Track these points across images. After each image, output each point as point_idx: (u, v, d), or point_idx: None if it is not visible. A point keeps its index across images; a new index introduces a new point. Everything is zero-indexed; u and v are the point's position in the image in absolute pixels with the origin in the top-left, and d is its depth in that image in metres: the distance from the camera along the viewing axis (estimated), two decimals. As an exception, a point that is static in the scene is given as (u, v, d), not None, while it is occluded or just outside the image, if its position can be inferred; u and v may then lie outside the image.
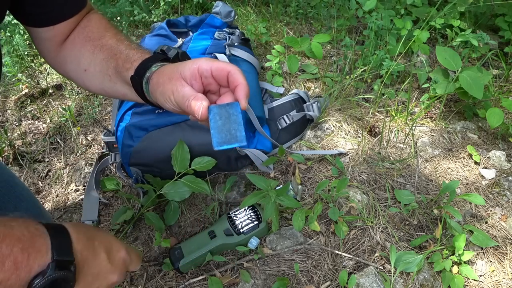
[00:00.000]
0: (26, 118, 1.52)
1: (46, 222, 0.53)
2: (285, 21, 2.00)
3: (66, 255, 0.51)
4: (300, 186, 1.22)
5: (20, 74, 1.60)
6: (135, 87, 0.68)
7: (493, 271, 1.07)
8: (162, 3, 1.90)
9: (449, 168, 1.33)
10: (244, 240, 1.04)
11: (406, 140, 1.40)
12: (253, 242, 1.05)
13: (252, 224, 1.05)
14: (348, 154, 1.33)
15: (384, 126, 1.43)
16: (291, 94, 1.45)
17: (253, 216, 1.07)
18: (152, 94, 0.64)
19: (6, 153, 1.37)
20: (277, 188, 1.05)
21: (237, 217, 1.07)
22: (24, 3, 0.71)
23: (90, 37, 0.78)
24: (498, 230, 1.16)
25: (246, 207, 1.07)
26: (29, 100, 1.58)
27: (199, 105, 0.56)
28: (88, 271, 0.55)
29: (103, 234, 0.61)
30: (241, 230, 1.04)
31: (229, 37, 1.39)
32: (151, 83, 0.63)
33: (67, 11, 0.77)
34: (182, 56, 0.70)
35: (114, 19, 1.92)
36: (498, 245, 1.12)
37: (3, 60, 0.84)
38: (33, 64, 1.72)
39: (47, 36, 0.78)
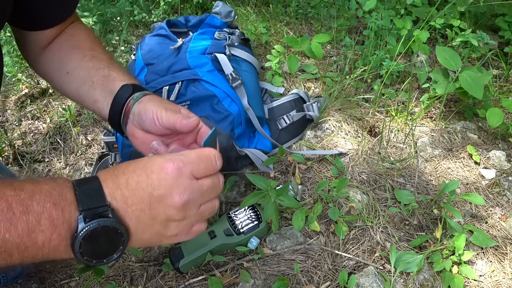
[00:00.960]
0: (26, 118, 1.52)
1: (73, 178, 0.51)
2: (285, 21, 2.00)
3: (96, 202, 0.46)
4: (300, 186, 1.22)
5: (20, 74, 1.60)
6: (119, 94, 0.73)
7: (493, 271, 1.07)
8: (162, 3, 1.90)
9: (449, 168, 1.33)
10: (244, 240, 1.04)
11: (406, 140, 1.41)
12: (253, 242, 1.05)
13: (252, 224, 1.05)
14: (348, 154, 1.33)
15: (384, 126, 1.43)
16: (291, 94, 1.45)
17: (253, 216, 1.06)
18: (140, 103, 0.70)
19: (6, 153, 1.37)
20: (277, 188, 1.05)
21: (237, 217, 1.06)
22: (20, 7, 0.72)
23: (79, 46, 0.83)
24: (498, 230, 1.16)
25: (246, 207, 1.07)
26: (29, 100, 1.58)
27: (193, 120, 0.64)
28: (136, 213, 0.49)
29: (134, 162, 0.52)
30: (241, 230, 1.04)
31: (229, 37, 1.39)
32: (147, 97, 0.71)
33: (58, 17, 0.81)
34: None
35: (114, 19, 1.92)
36: (498, 245, 1.12)
37: (3, 60, 0.86)
38: (33, 64, 1.72)
39: (33, 39, 0.82)
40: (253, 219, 1.06)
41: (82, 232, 0.45)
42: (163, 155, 0.53)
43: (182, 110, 0.69)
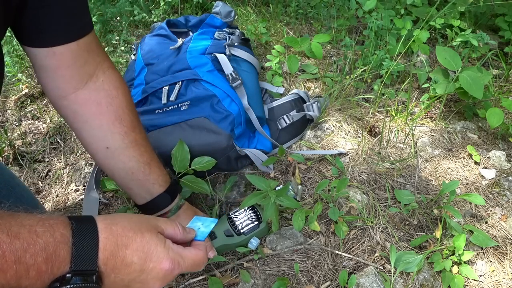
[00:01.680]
0: (26, 118, 1.52)
1: (77, 218, 0.51)
2: (285, 21, 2.00)
3: (87, 266, 0.49)
4: (300, 186, 1.22)
5: (20, 74, 1.60)
6: (158, 202, 0.84)
7: (493, 271, 1.07)
8: (162, 3, 1.90)
9: (449, 168, 1.33)
10: (245, 241, 1.04)
11: (406, 140, 1.41)
12: (254, 243, 1.04)
13: (252, 225, 1.04)
14: (348, 154, 1.33)
15: (384, 126, 1.43)
16: (291, 94, 1.45)
17: (253, 217, 1.06)
18: (178, 218, 0.86)
19: (6, 153, 1.37)
20: (277, 188, 1.05)
21: (237, 217, 1.06)
22: (20, 17, 0.66)
23: (122, 119, 0.78)
24: (498, 230, 1.16)
25: (246, 208, 1.07)
26: (29, 100, 1.58)
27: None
28: (116, 278, 0.52)
29: (143, 239, 0.54)
30: (242, 231, 1.03)
31: (229, 37, 1.39)
32: (183, 212, 0.88)
33: (67, 34, 0.71)
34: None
35: (114, 19, 1.92)
36: (498, 245, 1.12)
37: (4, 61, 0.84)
38: (33, 64, 1.72)
39: (49, 64, 0.71)
40: (253, 219, 1.05)
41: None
42: (167, 246, 0.57)
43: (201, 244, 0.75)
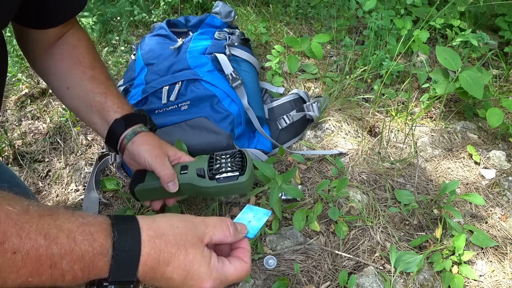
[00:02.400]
0: (26, 118, 1.52)
1: (119, 224, 0.49)
2: (285, 21, 2.00)
3: (126, 277, 0.48)
4: (300, 186, 1.22)
5: (20, 74, 1.60)
6: (113, 128, 0.82)
7: (493, 271, 1.07)
8: (162, 3, 1.90)
9: (449, 168, 1.33)
10: (214, 189, 0.83)
11: (406, 140, 1.41)
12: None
13: (231, 174, 0.83)
14: (348, 154, 1.33)
15: (384, 126, 1.43)
16: (291, 94, 1.45)
17: (236, 165, 0.84)
18: (133, 144, 0.81)
19: (6, 153, 1.37)
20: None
21: (219, 159, 0.86)
22: (28, 4, 0.72)
23: (80, 61, 0.86)
24: (498, 230, 1.16)
25: (237, 152, 0.87)
26: (29, 100, 1.58)
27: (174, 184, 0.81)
28: (155, 283, 0.52)
29: (187, 256, 0.51)
30: (216, 176, 0.83)
31: (229, 37, 1.39)
32: (139, 137, 0.82)
33: (63, 16, 0.82)
34: (154, 132, 0.92)
35: (114, 19, 1.92)
36: (498, 245, 1.12)
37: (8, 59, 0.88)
38: (33, 64, 1.72)
39: (36, 38, 0.82)
40: (235, 168, 0.83)
41: None
42: (211, 266, 0.53)
43: (169, 152, 0.83)
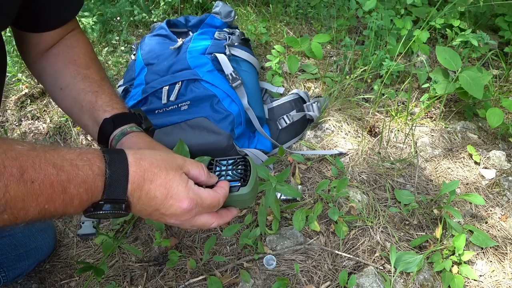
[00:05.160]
0: (26, 118, 1.52)
1: (109, 151, 0.56)
2: (285, 21, 2.00)
3: (118, 195, 0.55)
4: (300, 186, 1.22)
5: (20, 74, 1.60)
6: (103, 128, 0.78)
7: (493, 271, 1.07)
8: (162, 3, 1.90)
9: (449, 168, 1.33)
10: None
11: (406, 140, 1.41)
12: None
13: (231, 184, 0.71)
14: (348, 154, 1.33)
15: (384, 126, 1.43)
16: (291, 94, 1.45)
17: (239, 173, 0.72)
18: (121, 146, 0.76)
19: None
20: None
21: (220, 165, 0.75)
22: (25, 8, 0.72)
23: (75, 61, 0.83)
24: (498, 230, 1.16)
25: (240, 159, 0.76)
26: (29, 100, 1.58)
27: None
28: (141, 208, 0.58)
29: (167, 176, 0.58)
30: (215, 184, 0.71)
31: (229, 37, 1.39)
32: (128, 139, 0.77)
33: (60, 19, 0.81)
34: (151, 132, 0.87)
35: (114, 19, 1.92)
36: (498, 245, 1.12)
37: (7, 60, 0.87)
38: (33, 64, 1.72)
39: (33, 42, 0.82)
40: (236, 178, 0.72)
41: (97, 212, 0.55)
42: (188, 187, 0.60)
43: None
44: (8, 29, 1.66)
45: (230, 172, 0.73)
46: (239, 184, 0.71)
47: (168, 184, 0.58)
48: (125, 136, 0.77)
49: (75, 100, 0.81)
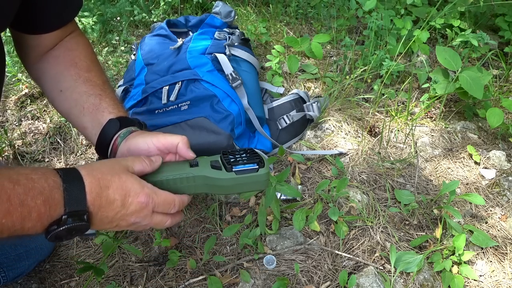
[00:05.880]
0: (26, 118, 1.52)
1: (62, 169, 0.58)
2: (285, 21, 2.00)
3: (79, 206, 0.56)
4: (300, 186, 1.22)
5: (20, 74, 1.60)
6: (106, 128, 0.78)
7: (493, 271, 1.07)
8: (162, 3, 1.90)
9: (449, 168, 1.33)
10: (232, 182, 0.74)
11: (406, 140, 1.41)
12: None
13: (250, 166, 0.74)
14: (348, 154, 1.33)
15: (384, 126, 1.43)
16: (291, 94, 1.45)
17: (254, 158, 0.76)
18: (127, 141, 0.76)
19: (6, 153, 1.37)
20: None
21: (234, 154, 0.78)
22: (24, 10, 0.72)
23: (76, 64, 0.83)
24: (498, 230, 1.16)
25: (248, 150, 0.80)
26: (29, 100, 1.58)
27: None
28: (102, 215, 0.60)
29: (121, 179, 0.62)
30: (234, 168, 0.74)
31: (229, 37, 1.39)
32: (134, 133, 0.77)
33: (59, 21, 0.81)
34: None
35: (114, 19, 1.92)
36: (498, 245, 1.12)
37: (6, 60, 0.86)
38: (33, 64, 1.72)
39: (32, 44, 0.81)
40: (254, 161, 0.75)
41: (61, 228, 0.56)
42: (142, 184, 0.64)
43: (179, 136, 0.78)
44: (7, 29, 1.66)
45: (245, 157, 0.76)
46: (257, 166, 0.74)
47: (124, 185, 0.61)
48: (131, 134, 0.77)
49: (76, 102, 0.81)
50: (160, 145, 0.73)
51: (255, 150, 0.82)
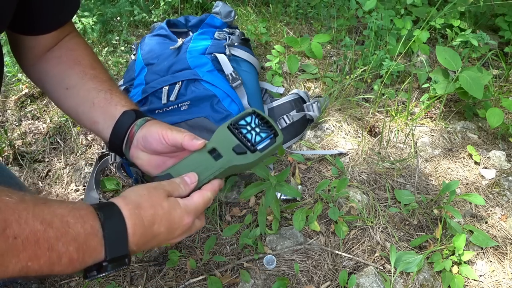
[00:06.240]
0: (26, 118, 1.52)
1: (102, 208, 0.54)
2: (285, 21, 2.00)
3: (120, 252, 0.54)
4: (300, 186, 1.22)
5: (20, 74, 1.60)
6: (122, 120, 0.78)
7: (493, 271, 1.07)
8: (162, 3, 1.90)
9: (449, 168, 1.33)
10: (258, 160, 0.74)
11: (406, 140, 1.41)
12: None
13: (268, 139, 0.74)
14: (348, 154, 1.33)
15: (384, 126, 1.43)
16: (291, 94, 1.45)
17: (265, 126, 0.75)
18: (143, 128, 0.75)
19: (6, 153, 1.37)
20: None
21: (243, 127, 0.75)
22: (20, 11, 0.72)
23: (80, 62, 0.83)
24: (498, 230, 1.16)
25: (252, 115, 0.78)
26: (29, 100, 1.58)
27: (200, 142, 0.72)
28: (146, 247, 0.60)
29: (163, 210, 0.59)
30: (258, 147, 0.73)
31: (229, 37, 1.39)
32: (150, 122, 0.77)
33: (56, 22, 0.80)
34: None
35: (114, 19, 1.92)
36: (498, 245, 1.12)
37: (4, 60, 0.86)
38: (33, 64, 1.72)
39: (29, 45, 0.81)
40: (267, 130, 0.74)
41: (102, 275, 0.53)
42: (183, 206, 0.62)
43: (185, 132, 0.76)
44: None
45: (258, 129, 0.74)
46: (273, 134, 0.74)
47: (167, 214, 0.59)
48: (147, 122, 0.77)
49: (85, 99, 0.81)
50: (168, 141, 0.72)
51: (257, 111, 0.78)
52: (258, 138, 0.73)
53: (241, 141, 0.73)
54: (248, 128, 0.75)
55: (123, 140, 0.77)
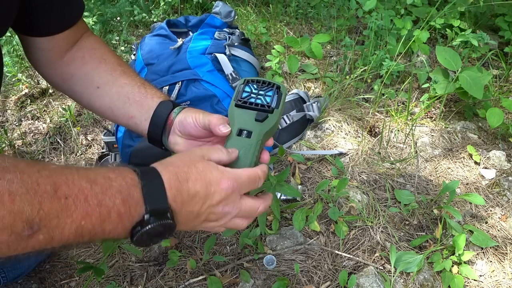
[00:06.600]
0: (26, 118, 1.52)
1: (138, 167, 0.56)
2: (285, 21, 2.00)
3: (160, 204, 0.54)
4: (300, 186, 1.22)
5: (20, 74, 1.60)
6: (160, 109, 0.79)
7: (493, 271, 1.07)
8: (162, 3, 1.90)
9: (449, 168, 1.33)
10: (280, 115, 0.75)
11: (406, 140, 1.41)
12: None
13: (276, 95, 0.76)
14: (348, 154, 1.33)
15: (384, 126, 1.43)
16: (291, 94, 1.45)
17: (265, 85, 0.77)
18: (181, 113, 0.77)
19: (6, 153, 1.37)
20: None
21: (250, 97, 0.76)
22: (23, 11, 0.71)
23: (105, 60, 0.83)
24: (498, 230, 1.16)
25: (248, 82, 0.78)
26: (29, 100, 1.58)
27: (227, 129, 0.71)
28: (187, 211, 0.57)
29: (198, 169, 0.59)
30: (272, 106, 0.74)
31: (229, 37, 1.39)
32: (187, 108, 0.78)
33: (65, 22, 0.80)
34: None
35: (114, 19, 1.92)
36: (498, 245, 1.12)
37: (3, 60, 0.85)
38: (33, 64, 1.72)
39: (45, 47, 0.80)
40: (270, 88, 0.76)
41: (145, 229, 0.53)
42: (220, 169, 0.61)
43: (215, 115, 0.76)
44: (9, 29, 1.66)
45: (263, 92, 0.76)
46: (275, 88, 0.76)
47: (202, 174, 0.58)
48: (184, 109, 0.78)
49: (119, 95, 0.81)
50: (199, 125, 0.73)
51: (249, 78, 0.79)
52: (268, 99, 0.75)
53: (257, 109, 0.74)
54: (253, 95, 0.76)
55: (162, 130, 0.79)
